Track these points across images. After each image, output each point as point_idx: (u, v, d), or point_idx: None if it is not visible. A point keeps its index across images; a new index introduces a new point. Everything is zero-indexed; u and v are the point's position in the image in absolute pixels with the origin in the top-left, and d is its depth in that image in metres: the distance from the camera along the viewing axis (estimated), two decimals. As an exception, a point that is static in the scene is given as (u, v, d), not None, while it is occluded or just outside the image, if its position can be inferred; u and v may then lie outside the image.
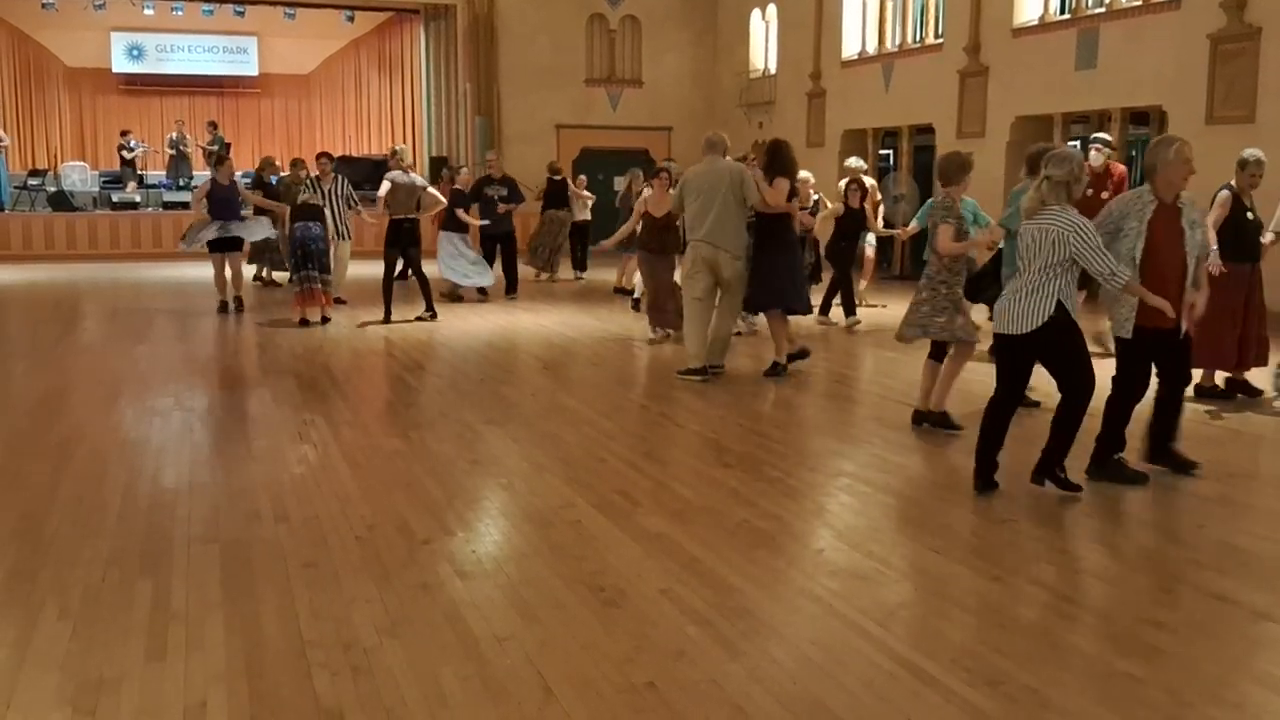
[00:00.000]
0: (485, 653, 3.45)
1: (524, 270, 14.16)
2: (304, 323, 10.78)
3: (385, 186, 11.29)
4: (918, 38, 17.32)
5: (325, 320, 10.90)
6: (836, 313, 11.03)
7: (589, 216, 15.81)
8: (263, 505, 5.03)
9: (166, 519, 4.83)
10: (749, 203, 7.80)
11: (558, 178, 15.47)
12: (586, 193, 15.84)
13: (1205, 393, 7.31)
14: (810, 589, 4.06)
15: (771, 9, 20.83)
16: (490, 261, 13.10)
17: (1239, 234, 7.15)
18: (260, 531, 4.66)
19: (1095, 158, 9.36)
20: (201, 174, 22.54)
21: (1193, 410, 7.25)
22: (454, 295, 12.82)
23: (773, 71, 20.78)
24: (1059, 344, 5.03)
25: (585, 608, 3.84)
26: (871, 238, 12.06)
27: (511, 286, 13.34)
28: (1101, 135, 10.06)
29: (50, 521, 4.79)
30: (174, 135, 22.67)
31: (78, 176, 21.83)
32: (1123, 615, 3.84)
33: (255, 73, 25.92)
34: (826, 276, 11.32)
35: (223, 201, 11.85)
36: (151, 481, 5.48)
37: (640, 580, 4.10)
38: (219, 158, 12.45)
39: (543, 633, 3.62)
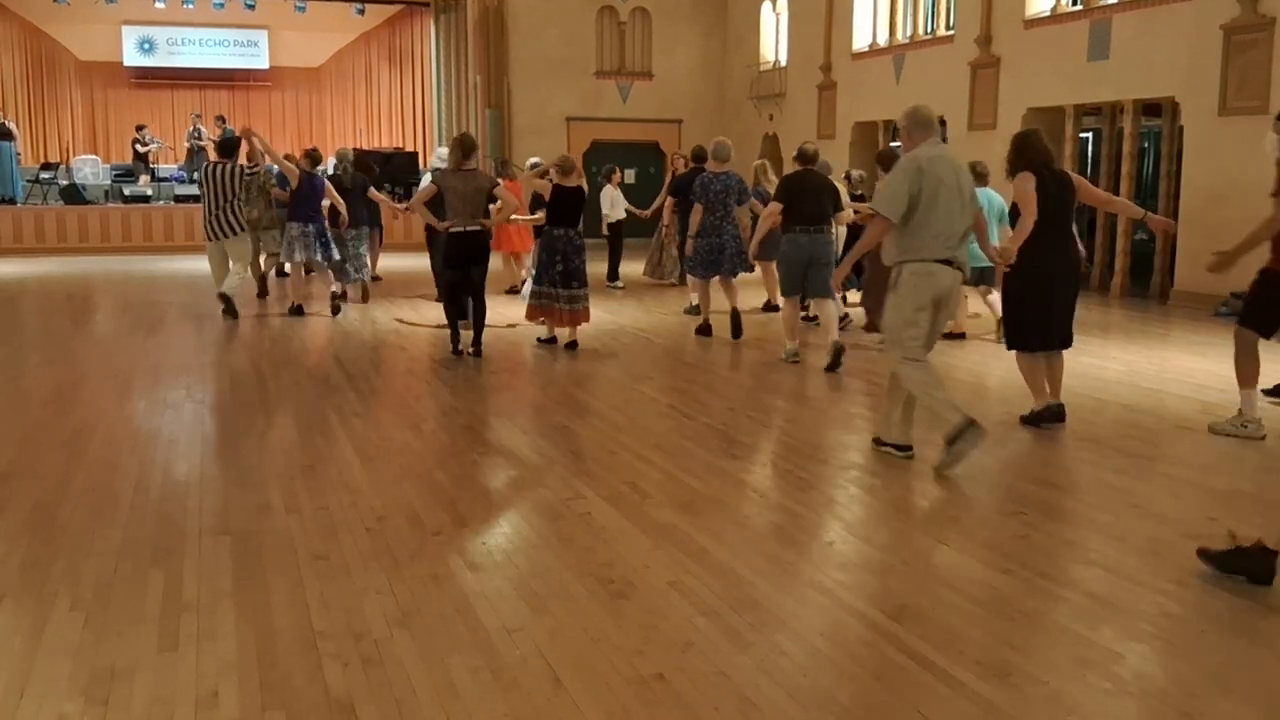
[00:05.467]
0: (495, 644, 3.46)
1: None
2: (551, 340, 9.49)
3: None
4: (929, 29, 17.26)
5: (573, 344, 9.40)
6: None
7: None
8: (273, 497, 5.05)
9: (178, 510, 4.85)
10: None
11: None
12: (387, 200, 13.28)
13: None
14: (819, 581, 4.06)
15: (782, 0, 20.78)
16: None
17: None
18: (271, 523, 4.68)
19: None
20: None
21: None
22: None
23: (783, 63, 20.74)
24: None
25: (594, 599, 3.84)
26: None
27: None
28: None
29: (63, 512, 4.81)
30: (190, 129, 22.75)
31: (89, 170, 21.92)
32: (1133, 607, 3.83)
33: (266, 66, 25.98)
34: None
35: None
36: (163, 473, 5.51)
37: (649, 572, 4.10)
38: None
39: (552, 624, 3.63)
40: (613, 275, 14.24)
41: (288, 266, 12.97)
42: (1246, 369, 6.26)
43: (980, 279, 9.02)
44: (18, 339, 10.42)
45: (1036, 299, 6.43)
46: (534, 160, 11.96)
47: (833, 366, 8.28)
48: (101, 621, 3.63)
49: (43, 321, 11.65)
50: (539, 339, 9.55)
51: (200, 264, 15.53)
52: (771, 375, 8.30)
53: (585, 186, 9.64)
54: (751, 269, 10.29)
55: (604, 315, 11.37)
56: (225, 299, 11.02)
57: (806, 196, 8.56)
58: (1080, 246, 6.78)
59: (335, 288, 11.64)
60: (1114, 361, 8.76)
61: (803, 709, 3.06)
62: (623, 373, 8.48)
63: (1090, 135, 16.10)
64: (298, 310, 11.35)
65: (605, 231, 14.40)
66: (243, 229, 11.23)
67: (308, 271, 12.52)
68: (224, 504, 4.95)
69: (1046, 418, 6.54)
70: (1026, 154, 6.48)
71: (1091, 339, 9.53)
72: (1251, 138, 11.50)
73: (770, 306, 11.71)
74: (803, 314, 9.66)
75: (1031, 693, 3.17)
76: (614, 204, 14.26)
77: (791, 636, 3.55)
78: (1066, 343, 6.60)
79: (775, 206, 8.77)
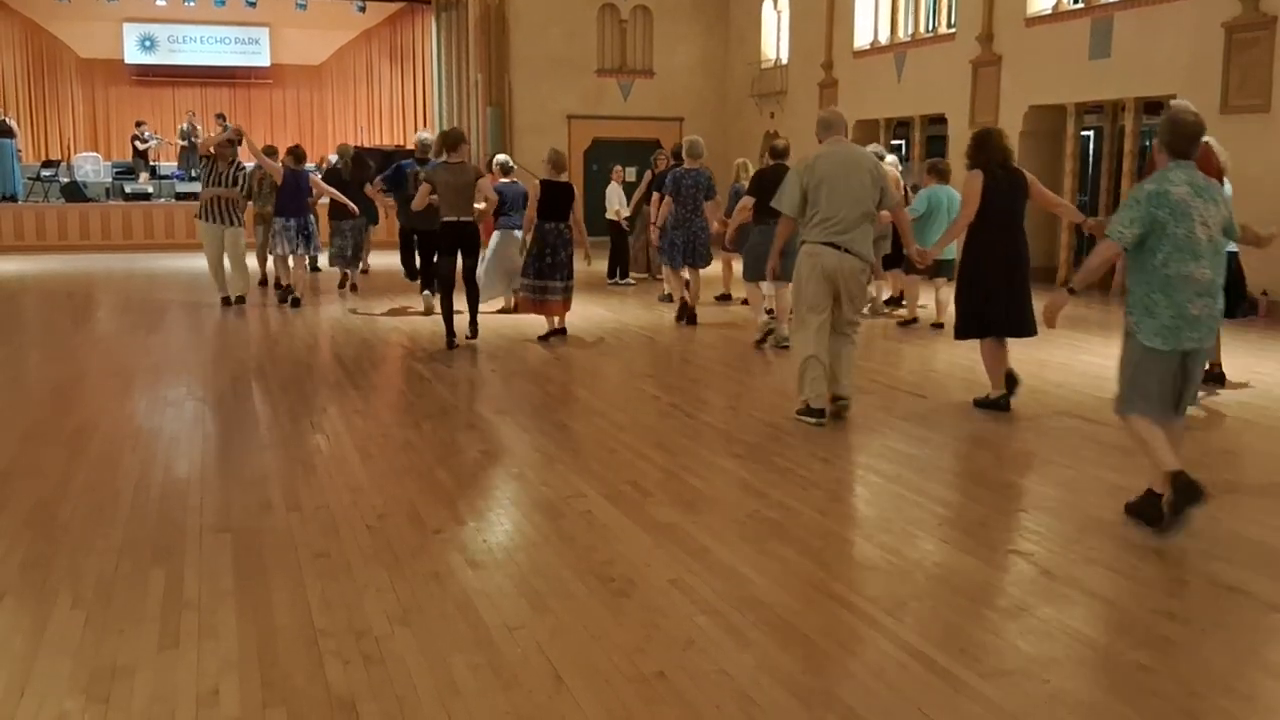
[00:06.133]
0: (496, 642, 3.46)
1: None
2: (556, 334, 9.69)
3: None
4: (930, 27, 17.24)
5: (562, 331, 9.75)
6: None
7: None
8: (274, 495, 5.05)
9: (179, 508, 4.85)
10: (885, 205, 6.58)
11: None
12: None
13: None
14: (820, 579, 4.06)
15: (783, -2, 20.78)
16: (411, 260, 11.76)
17: None
18: (272, 521, 4.68)
19: None
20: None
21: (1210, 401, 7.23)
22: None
23: (784, 61, 20.71)
24: None
25: (595, 597, 3.84)
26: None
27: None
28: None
29: (64, 510, 4.82)
30: (185, 126, 22.74)
31: (90, 167, 21.92)
32: (1134, 606, 3.83)
33: (267, 63, 25.99)
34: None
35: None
36: (164, 471, 5.51)
37: (650, 570, 4.10)
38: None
39: (553, 622, 3.63)
40: (622, 272, 14.35)
41: (321, 260, 13.45)
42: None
43: (938, 271, 9.91)
44: (19, 337, 10.42)
45: (976, 291, 6.78)
46: (501, 158, 11.97)
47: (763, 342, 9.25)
48: (102, 620, 3.63)
49: (44, 319, 11.65)
50: (540, 336, 9.60)
51: (199, 262, 15.60)
52: (772, 374, 8.30)
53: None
54: (709, 263, 10.84)
55: (605, 313, 11.37)
56: (241, 299, 11.81)
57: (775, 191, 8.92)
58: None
59: (290, 282, 12.16)
60: (1114, 359, 8.74)
61: (804, 707, 3.06)
62: (624, 370, 8.48)
63: (1092, 133, 16.08)
64: (294, 302, 11.82)
65: (626, 227, 14.54)
66: (237, 221, 11.70)
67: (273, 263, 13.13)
68: (225, 502, 4.95)
69: (1000, 405, 6.85)
70: (983, 152, 6.75)
71: (1092, 337, 9.53)
72: (1253, 136, 11.50)
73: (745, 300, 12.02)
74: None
75: (1033, 691, 3.17)
76: (618, 201, 14.35)
77: (792, 634, 3.55)
78: (1021, 331, 6.82)
79: (748, 200, 9.30)
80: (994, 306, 6.71)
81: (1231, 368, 8.30)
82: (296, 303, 11.78)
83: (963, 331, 6.99)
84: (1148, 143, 16.17)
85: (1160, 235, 4.39)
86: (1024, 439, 6.31)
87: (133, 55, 25.06)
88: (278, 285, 12.93)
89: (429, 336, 9.83)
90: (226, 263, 11.71)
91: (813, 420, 6.49)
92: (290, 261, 12.14)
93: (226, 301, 11.77)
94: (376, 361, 8.82)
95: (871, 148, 10.23)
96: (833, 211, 6.30)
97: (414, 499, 4.99)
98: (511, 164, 11.63)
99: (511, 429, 6.47)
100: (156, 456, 5.79)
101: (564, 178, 9.50)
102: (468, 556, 4.25)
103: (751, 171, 11.63)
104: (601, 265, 14.54)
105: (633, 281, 14.06)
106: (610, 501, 4.95)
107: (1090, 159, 16.08)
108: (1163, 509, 4.48)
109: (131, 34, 24.88)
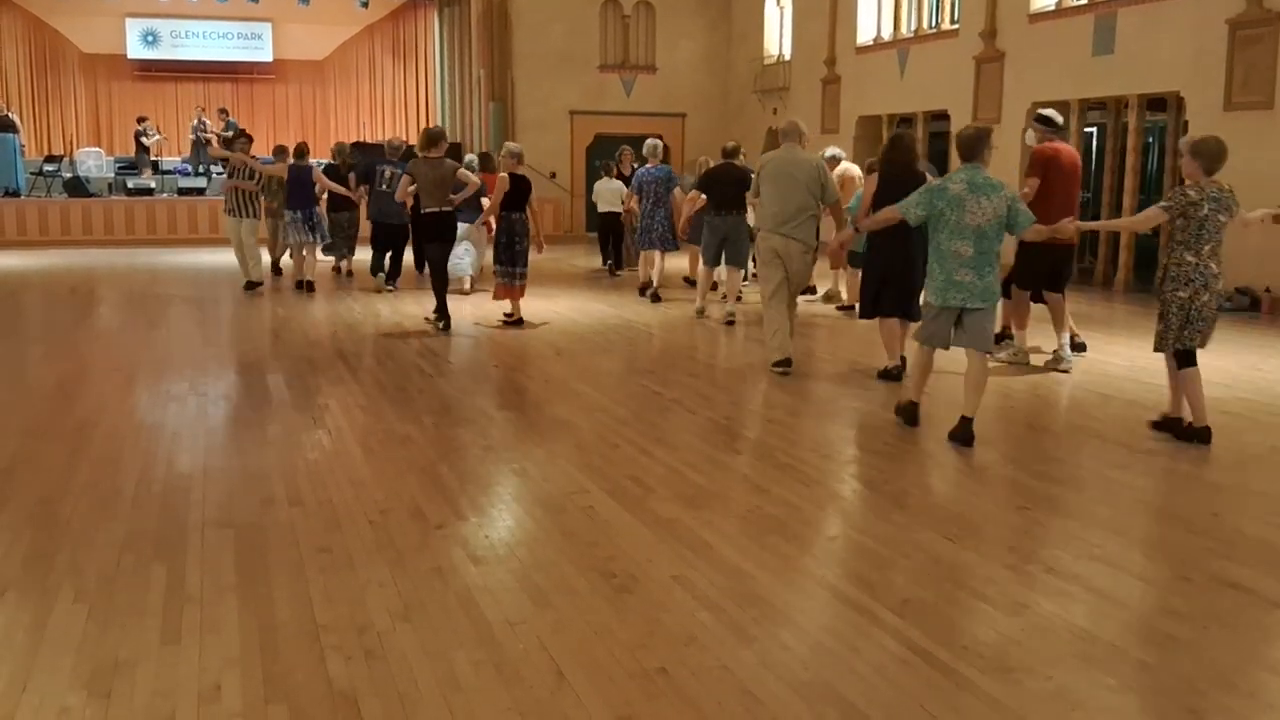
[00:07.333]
0: (498, 637, 3.46)
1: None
2: (519, 322, 10.19)
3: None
4: (933, 23, 17.22)
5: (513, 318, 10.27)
6: None
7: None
8: (277, 490, 5.05)
9: (181, 503, 4.86)
10: (826, 201, 7.80)
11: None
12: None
13: None
14: (822, 575, 4.06)
15: (786, -6, 20.74)
16: (377, 255, 12.88)
17: None
18: (274, 516, 4.68)
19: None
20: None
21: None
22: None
23: (787, 57, 20.69)
24: None
25: (597, 593, 3.84)
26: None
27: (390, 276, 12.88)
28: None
29: (66, 505, 4.82)
30: (194, 121, 22.73)
31: (93, 162, 21.92)
32: (1137, 603, 3.83)
33: (270, 59, 25.97)
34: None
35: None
36: (167, 466, 5.51)
37: (652, 566, 4.10)
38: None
39: (555, 618, 3.63)
40: (616, 263, 14.74)
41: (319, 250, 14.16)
42: (1022, 317, 8.37)
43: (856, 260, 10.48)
44: (21, 332, 10.43)
45: (872, 280, 7.73)
46: (469, 158, 12.74)
47: (730, 322, 10.17)
48: (104, 614, 3.63)
49: (46, 314, 11.66)
50: (505, 317, 10.23)
51: (201, 257, 15.63)
52: (772, 370, 8.28)
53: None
54: (676, 248, 12.27)
55: (606, 309, 11.38)
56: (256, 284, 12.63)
57: (724, 186, 10.09)
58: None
59: (309, 275, 12.85)
60: (1117, 356, 8.75)
61: (805, 703, 3.06)
62: (625, 366, 8.48)
63: (1095, 130, 16.05)
64: (300, 286, 12.64)
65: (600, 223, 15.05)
66: (252, 214, 12.61)
67: (284, 253, 13.99)
68: (227, 497, 4.95)
69: (893, 376, 7.64)
70: (887, 155, 7.79)
71: (1095, 334, 9.52)
72: (1256, 133, 11.48)
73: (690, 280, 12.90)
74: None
75: (1035, 688, 3.16)
76: (613, 197, 14.49)
77: (794, 631, 3.55)
78: (909, 316, 7.60)
79: (694, 194, 10.51)
80: (887, 292, 7.56)
81: (1236, 364, 8.30)
82: (311, 287, 12.63)
83: (864, 313, 7.95)
84: (1151, 139, 16.24)
85: (939, 219, 5.77)
86: (1025, 436, 6.31)
87: (135, 50, 25.05)
88: (277, 270, 13.96)
89: (431, 331, 9.82)
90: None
91: (779, 370, 7.75)
92: (304, 251, 12.90)
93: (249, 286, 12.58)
94: (379, 357, 8.81)
95: (829, 151, 11.23)
96: (775, 206, 7.65)
97: (416, 494, 4.99)
98: (477, 165, 12.44)
99: (513, 424, 6.46)
100: (158, 451, 5.79)
101: (522, 170, 10.13)
102: (469, 552, 4.25)
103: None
104: (591, 260, 14.71)
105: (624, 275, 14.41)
106: (612, 497, 4.95)
107: (1093, 156, 16.06)
108: (974, 432, 5.77)
109: (134, 29, 24.87)
